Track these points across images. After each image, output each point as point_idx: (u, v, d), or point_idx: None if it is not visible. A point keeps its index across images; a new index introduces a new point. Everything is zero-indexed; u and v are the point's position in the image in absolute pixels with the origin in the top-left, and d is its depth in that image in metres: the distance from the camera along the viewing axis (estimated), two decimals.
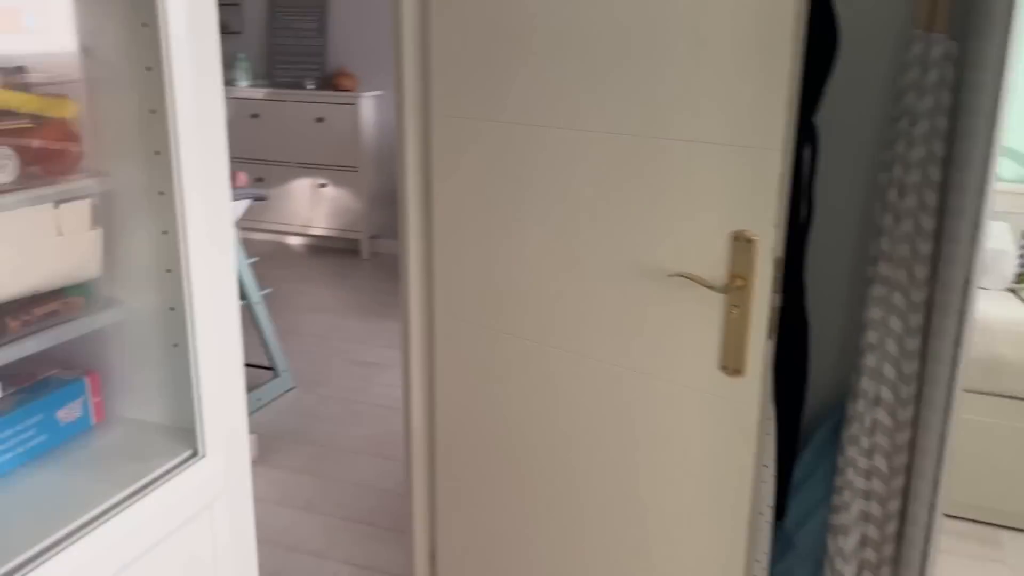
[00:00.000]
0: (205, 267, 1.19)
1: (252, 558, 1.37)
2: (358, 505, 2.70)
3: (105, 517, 1.07)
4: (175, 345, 1.21)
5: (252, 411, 3.37)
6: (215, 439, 1.24)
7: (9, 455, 1.09)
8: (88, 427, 1.20)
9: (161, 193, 1.16)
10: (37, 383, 1.14)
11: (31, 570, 0.98)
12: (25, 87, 1.07)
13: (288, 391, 3.57)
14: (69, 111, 1.11)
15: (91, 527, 1.05)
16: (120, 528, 1.08)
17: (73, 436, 1.17)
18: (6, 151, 1.07)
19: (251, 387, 3.41)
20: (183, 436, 1.24)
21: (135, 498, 1.11)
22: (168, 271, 1.19)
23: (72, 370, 1.20)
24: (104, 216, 1.16)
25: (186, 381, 1.20)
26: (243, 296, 3.45)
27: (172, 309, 1.20)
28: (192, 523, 1.21)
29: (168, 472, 1.16)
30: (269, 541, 2.50)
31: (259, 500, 2.72)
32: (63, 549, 1.02)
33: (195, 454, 1.22)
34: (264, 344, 3.52)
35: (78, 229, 1.12)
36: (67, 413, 1.16)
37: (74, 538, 1.03)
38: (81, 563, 1.03)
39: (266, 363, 3.62)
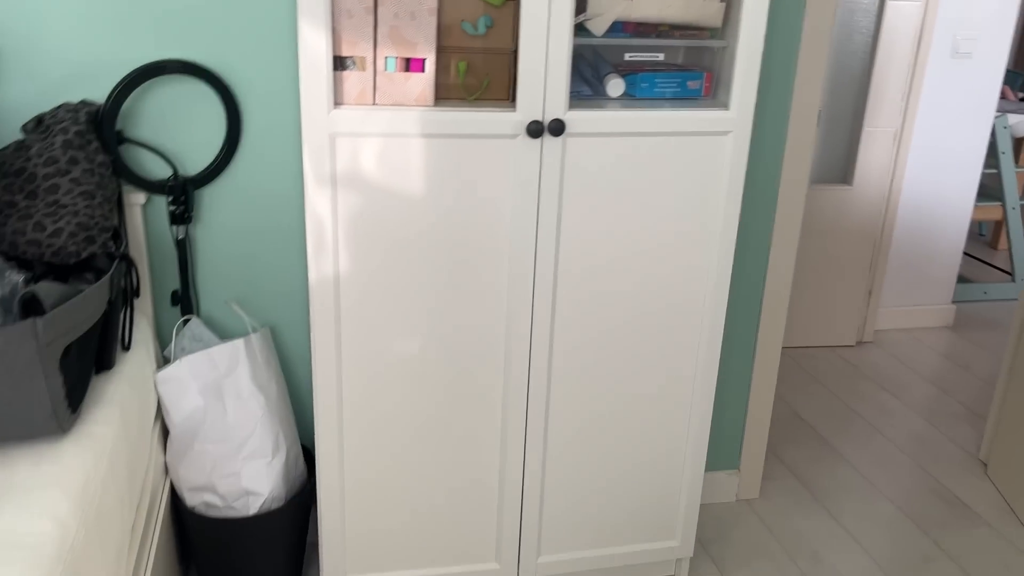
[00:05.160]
0: None
1: None
2: None
3: None
4: None
5: (973, 300, 3.82)
6: None
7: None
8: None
9: None
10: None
11: None
12: None
13: (1014, 299, 3.82)
14: None
15: None
16: None
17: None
18: None
19: (984, 280, 3.81)
20: None
21: None
22: None
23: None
24: None
25: None
26: (1001, 198, 3.81)
27: None
28: None
29: None
30: None
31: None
32: None
33: None
34: (1010, 249, 3.83)
35: None
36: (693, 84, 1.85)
37: None
38: None
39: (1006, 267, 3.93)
